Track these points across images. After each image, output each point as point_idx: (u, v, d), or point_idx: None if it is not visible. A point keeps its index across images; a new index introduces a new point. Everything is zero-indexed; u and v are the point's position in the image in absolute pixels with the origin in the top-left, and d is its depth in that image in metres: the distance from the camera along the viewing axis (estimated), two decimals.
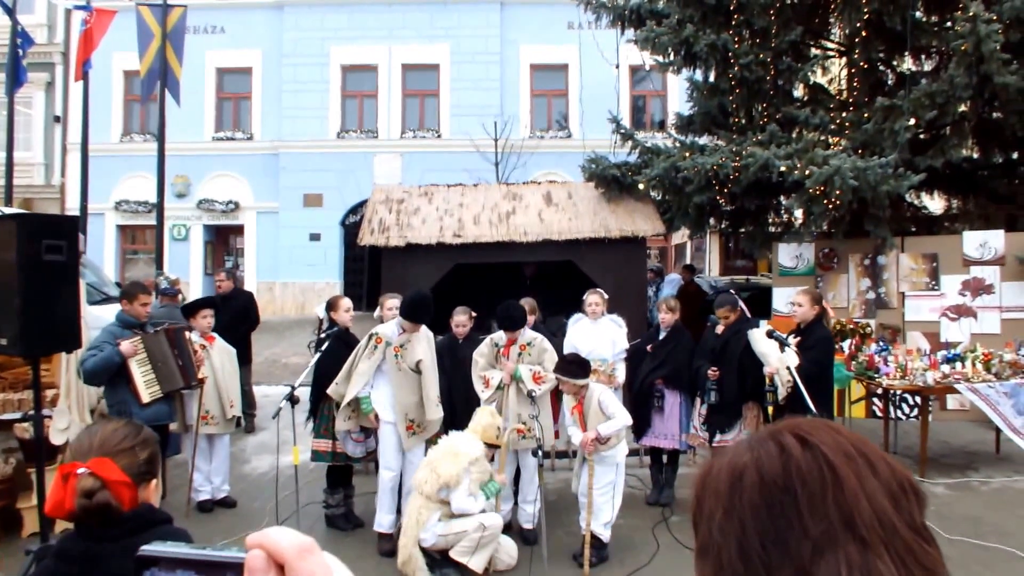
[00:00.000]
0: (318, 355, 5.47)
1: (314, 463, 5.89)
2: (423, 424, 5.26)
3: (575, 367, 4.95)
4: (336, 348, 5.55)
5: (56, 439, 5.32)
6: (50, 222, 4.13)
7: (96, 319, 6.23)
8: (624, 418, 4.88)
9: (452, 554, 4.61)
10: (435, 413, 5.25)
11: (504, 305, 5.51)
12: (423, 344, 5.29)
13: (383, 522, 5.22)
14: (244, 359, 7.70)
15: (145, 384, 5.11)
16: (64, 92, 19.39)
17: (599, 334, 6.17)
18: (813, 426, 0.74)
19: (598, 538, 4.97)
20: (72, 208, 16.95)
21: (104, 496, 1.65)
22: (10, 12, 11.85)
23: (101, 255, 18.33)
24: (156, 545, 0.62)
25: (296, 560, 0.59)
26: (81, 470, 1.66)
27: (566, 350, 6.03)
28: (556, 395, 5.75)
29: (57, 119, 19.63)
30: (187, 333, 5.67)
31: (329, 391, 5.33)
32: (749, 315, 6.53)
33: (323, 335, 5.77)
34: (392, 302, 6.00)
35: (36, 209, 16.06)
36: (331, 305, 5.96)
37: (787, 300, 8.50)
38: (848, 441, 0.73)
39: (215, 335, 6.15)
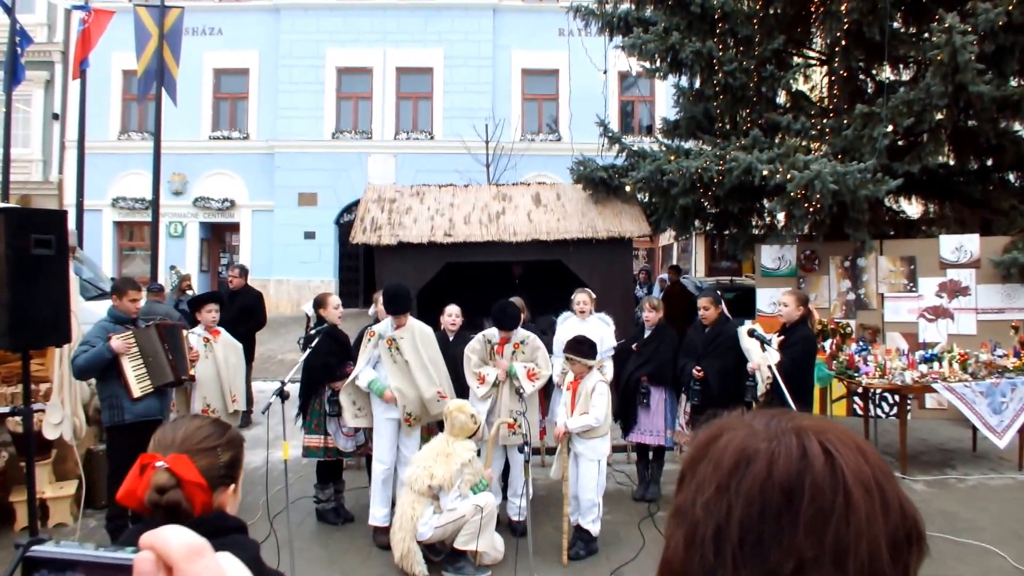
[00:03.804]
0: (307, 352, 5.54)
1: (306, 458, 6.00)
2: (420, 418, 5.34)
3: (586, 348, 5.12)
4: (326, 345, 5.59)
5: (49, 433, 5.36)
6: (39, 216, 4.01)
7: (91, 314, 6.28)
8: (595, 419, 4.98)
9: (457, 544, 4.67)
10: (437, 409, 5.30)
11: (500, 304, 5.57)
12: (418, 340, 5.35)
13: (377, 515, 5.30)
14: (246, 356, 7.80)
15: (136, 379, 5.04)
16: (63, 90, 19.49)
17: (588, 332, 6.24)
18: (842, 440, 0.69)
19: (587, 532, 5.10)
20: (69, 204, 17.05)
21: (176, 496, 1.56)
22: (9, 11, 11.93)
23: (99, 251, 18.40)
24: (47, 546, 0.60)
25: (184, 562, 0.56)
26: (159, 463, 1.58)
27: (555, 347, 6.13)
28: (544, 392, 5.88)
29: (56, 117, 19.72)
30: (184, 331, 5.72)
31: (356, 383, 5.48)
32: (730, 316, 6.68)
33: (312, 332, 5.85)
34: None
35: (34, 205, 16.14)
36: (319, 302, 5.99)
37: (770, 300, 8.67)
38: (871, 470, 0.67)
39: (221, 329, 6.21)
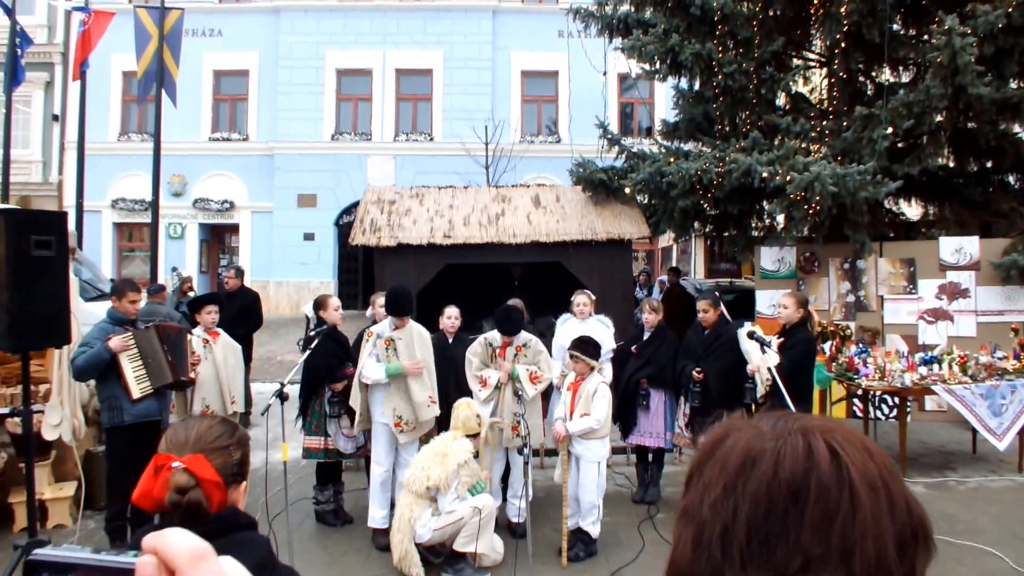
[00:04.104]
0: (307, 353, 5.54)
1: (305, 460, 5.98)
2: (412, 423, 5.28)
3: (592, 347, 5.14)
4: (326, 346, 5.60)
5: (48, 435, 5.36)
6: (39, 217, 4.01)
7: (90, 315, 6.29)
8: (596, 421, 4.99)
9: (456, 546, 4.66)
10: (426, 414, 5.29)
11: (504, 308, 5.55)
12: (415, 343, 5.33)
13: (376, 517, 5.30)
14: (244, 358, 7.78)
15: (136, 380, 5.03)
16: (63, 92, 19.50)
17: (588, 334, 6.28)
18: (848, 440, 0.69)
19: (587, 534, 5.10)
20: (69, 205, 17.04)
21: (197, 495, 1.58)
22: (9, 12, 11.96)
23: (98, 252, 18.41)
24: (47, 550, 0.59)
25: (187, 567, 0.56)
26: (176, 464, 1.59)
27: (555, 350, 6.13)
28: (544, 395, 5.86)
29: (55, 118, 19.73)
30: (188, 336, 5.70)
31: (352, 403, 5.41)
32: (730, 319, 6.68)
33: (312, 333, 5.84)
34: (383, 300, 6.15)
35: (33, 206, 16.14)
36: (320, 304, 5.99)
37: (770, 302, 8.67)
38: (877, 469, 0.68)
39: (220, 330, 6.22)
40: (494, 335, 5.59)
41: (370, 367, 5.27)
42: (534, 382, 5.43)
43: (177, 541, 0.57)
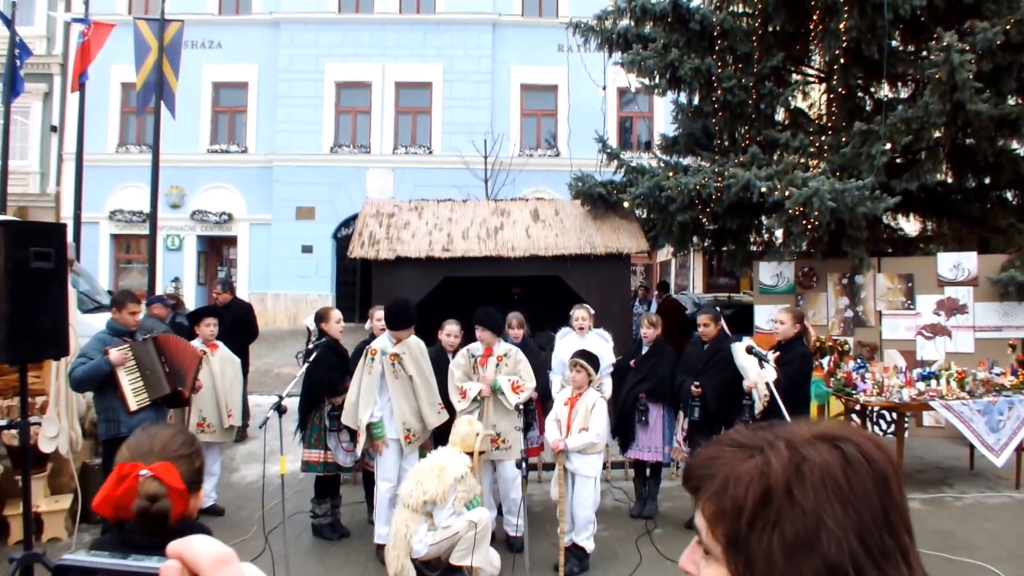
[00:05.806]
0: (307, 365, 5.51)
1: (304, 473, 5.95)
2: (418, 433, 5.32)
3: (595, 359, 5.16)
4: (326, 358, 5.58)
5: (45, 447, 5.31)
6: (38, 229, 4.00)
7: (88, 327, 6.27)
8: (595, 436, 4.97)
9: (453, 560, 4.63)
10: (436, 421, 5.33)
11: (483, 309, 5.57)
12: (419, 355, 5.35)
13: (382, 533, 5.24)
14: (241, 370, 7.75)
15: (133, 392, 5.01)
16: (61, 103, 19.51)
17: (587, 348, 6.28)
18: (868, 437, 0.79)
19: (582, 548, 5.07)
20: (67, 217, 17.01)
21: (166, 505, 1.57)
22: (9, 23, 12.02)
23: (95, 264, 18.37)
24: (76, 555, 0.61)
25: (211, 571, 0.58)
26: (144, 472, 1.58)
27: (554, 364, 6.13)
28: (544, 409, 5.86)
29: (54, 129, 19.73)
30: (202, 364, 5.60)
31: (345, 420, 5.39)
32: (729, 333, 6.67)
33: (312, 346, 5.83)
34: (381, 314, 6.14)
35: (31, 217, 16.10)
36: (321, 316, 5.98)
37: (768, 317, 8.67)
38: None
39: (219, 343, 6.20)
40: (476, 346, 5.58)
41: (368, 411, 5.24)
42: (516, 392, 5.40)
43: (201, 547, 0.59)
